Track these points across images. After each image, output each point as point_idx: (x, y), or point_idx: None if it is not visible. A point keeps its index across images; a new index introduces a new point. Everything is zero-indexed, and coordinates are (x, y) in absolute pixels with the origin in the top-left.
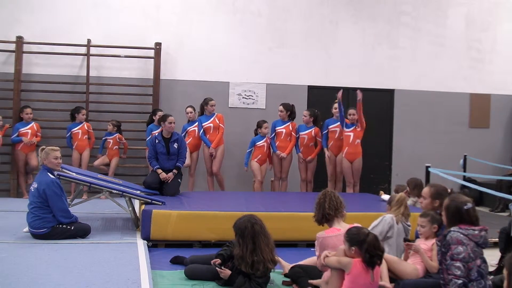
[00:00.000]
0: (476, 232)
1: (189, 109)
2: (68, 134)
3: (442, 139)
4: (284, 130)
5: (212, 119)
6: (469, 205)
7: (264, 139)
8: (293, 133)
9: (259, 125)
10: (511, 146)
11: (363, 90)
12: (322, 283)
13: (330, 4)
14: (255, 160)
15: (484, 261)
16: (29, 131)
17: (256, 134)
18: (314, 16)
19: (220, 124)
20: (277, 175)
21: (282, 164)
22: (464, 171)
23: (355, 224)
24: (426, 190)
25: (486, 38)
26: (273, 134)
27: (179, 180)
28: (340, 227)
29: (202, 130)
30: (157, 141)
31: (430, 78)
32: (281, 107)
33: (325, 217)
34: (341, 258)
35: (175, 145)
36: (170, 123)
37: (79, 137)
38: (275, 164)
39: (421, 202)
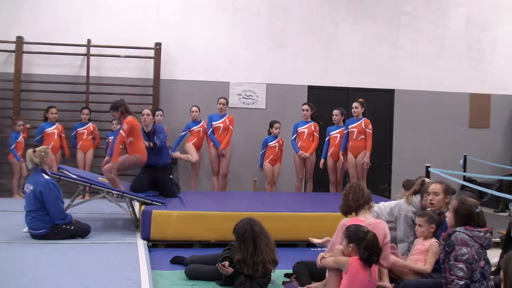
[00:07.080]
0: (482, 234)
1: (194, 108)
2: (73, 133)
3: (442, 139)
4: (306, 130)
5: (223, 119)
6: (479, 208)
7: (276, 139)
8: (315, 133)
9: (271, 125)
10: (511, 146)
11: (363, 90)
12: (320, 286)
13: (330, 4)
14: (267, 161)
15: (487, 262)
16: (55, 131)
17: (269, 134)
18: (314, 16)
19: (230, 126)
20: (299, 176)
21: (305, 164)
22: (464, 171)
23: (379, 220)
24: (438, 187)
25: (486, 38)
26: (295, 135)
27: (170, 176)
28: (365, 219)
29: (211, 129)
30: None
31: (430, 78)
32: (306, 106)
33: (350, 209)
34: (338, 257)
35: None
36: (143, 115)
37: (84, 137)
38: (297, 165)
39: (432, 199)
